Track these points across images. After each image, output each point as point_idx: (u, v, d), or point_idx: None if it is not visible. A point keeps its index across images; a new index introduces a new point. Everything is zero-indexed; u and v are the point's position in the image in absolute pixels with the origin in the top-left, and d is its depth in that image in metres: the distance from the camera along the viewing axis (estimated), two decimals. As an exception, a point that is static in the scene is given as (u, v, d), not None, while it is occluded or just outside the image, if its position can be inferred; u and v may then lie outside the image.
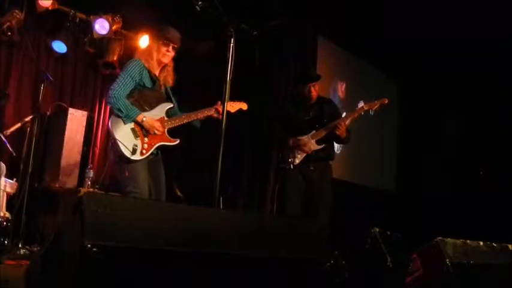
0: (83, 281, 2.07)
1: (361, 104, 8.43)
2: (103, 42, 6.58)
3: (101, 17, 6.32)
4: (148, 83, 4.14)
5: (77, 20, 6.32)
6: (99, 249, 2.03)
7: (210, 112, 4.26)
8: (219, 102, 4.18)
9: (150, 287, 2.20)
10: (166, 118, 4.20)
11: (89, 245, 2.03)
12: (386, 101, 5.10)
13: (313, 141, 5.01)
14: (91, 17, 6.34)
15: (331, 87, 8.31)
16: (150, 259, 2.18)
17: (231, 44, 3.50)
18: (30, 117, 5.40)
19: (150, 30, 4.25)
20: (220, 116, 3.74)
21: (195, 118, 4.27)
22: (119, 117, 3.99)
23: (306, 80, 5.14)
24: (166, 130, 4.16)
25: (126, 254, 2.12)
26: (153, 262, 2.19)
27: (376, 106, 5.07)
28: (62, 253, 2.27)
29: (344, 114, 5.58)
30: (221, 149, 3.31)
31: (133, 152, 3.95)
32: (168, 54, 4.23)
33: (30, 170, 5.18)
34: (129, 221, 2.18)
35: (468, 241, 4.17)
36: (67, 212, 2.05)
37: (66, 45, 6.31)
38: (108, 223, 2.12)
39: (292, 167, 4.96)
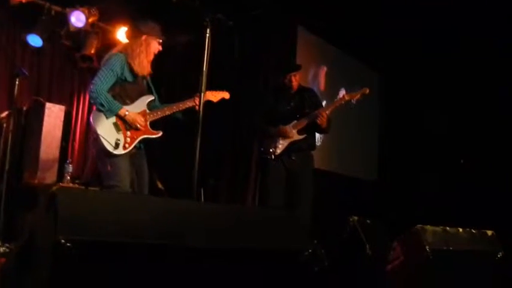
0: (58, 276, 2.03)
1: (342, 92, 8.48)
2: (80, 35, 6.49)
3: (77, 9, 6.22)
4: (129, 76, 4.12)
5: (52, 12, 6.21)
6: (73, 244, 2.00)
7: (191, 103, 4.24)
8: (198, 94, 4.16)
9: (126, 281, 2.17)
10: (148, 111, 4.18)
11: (63, 240, 1.99)
12: (368, 91, 5.10)
13: (294, 131, 5.00)
14: (67, 9, 6.23)
15: (311, 76, 8.30)
16: (125, 253, 2.15)
17: (207, 35, 3.47)
18: (6, 112, 5.33)
19: (136, 25, 4.20)
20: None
21: (177, 110, 4.26)
22: (101, 111, 3.97)
23: (286, 69, 5.13)
24: (148, 123, 4.15)
25: (101, 249, 2.09)
26: (129, 256, 2.16)
27: (358, 96, 5.08)
28: (36, 249, 2.23)
29: (324, 103, 5.57)
30: (198, 140, 3.29)
31: (116, 146, 3.94)
32: (159, 48, 4.24)
33: (7, 166, 5.11)
34: (104, 215, 2.15)
35: (448, 228, 4.20)
36: (40, 207, 2.02)
37: (42, 39, 6.18)
38: (81, 217, 2.09)
39: (273, 157, 4.95)
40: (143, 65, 4.14)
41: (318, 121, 4.92)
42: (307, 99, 5.17)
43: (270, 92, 5.39)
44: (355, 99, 5.09)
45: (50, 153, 5.81)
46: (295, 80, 5.12)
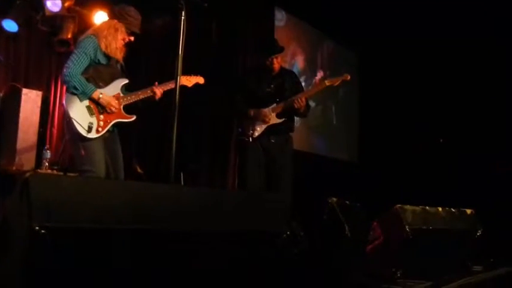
0: (33, 264, 2.01)
1: (320, 73, 8.50)
2: (56, 19, 6.39)
3: (52, -7, 6.12)
4: (102, 59, 4.09)
5: (28, -3, 6.12)
6: (47, 230, 1.98)
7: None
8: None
9: (102, 267, 2.15)
10: (121, 94, 4.16)
11: (37, 227, 1.97)
12: (349, 78, 5.08)
13: (273, 114, 4.98)
14: (42, -7, 6.13)
15: (289, 57, 8.28)
16: (100, 239, 2.13)
17: (182, 17, 3.43)
18: (-18, 99, 5.24)
19: (116, 7, 4.15)
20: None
21: (151, 94, 4.22)
22: (74, 95, 3.93)
23: (268, 52, 5.07)
24: (122, 107, 4.12)
25: (75, 235, 2.07)
26: (104, 242, 2.14)
27: (338, 82, 5.07)
28: (10, 236, 2.20)
29: (304, 84, 5.57)
30: (175, 124, 3.26)
31: (89, 130, 3.92)
32: (129, 38, 4.20)
33: (-16, 153, 5.05)
34: (78, 201, 2.12)
35: (427, 207, 4.23)
36: (14, 194, 1.99)
37: (18, 24, 6.08)
38: (55, 204, 2.06)
39: (251, 139, 4.94)
40: (111, 48, 4.09)
41: (295, 105, 4.91)
42: (288, 82, 5.14)
43: (250, 73, 5.35)
44: (335, 85, 5.09)
45: (28, 140, 5.73)
46: (277, 63, 5.08)
